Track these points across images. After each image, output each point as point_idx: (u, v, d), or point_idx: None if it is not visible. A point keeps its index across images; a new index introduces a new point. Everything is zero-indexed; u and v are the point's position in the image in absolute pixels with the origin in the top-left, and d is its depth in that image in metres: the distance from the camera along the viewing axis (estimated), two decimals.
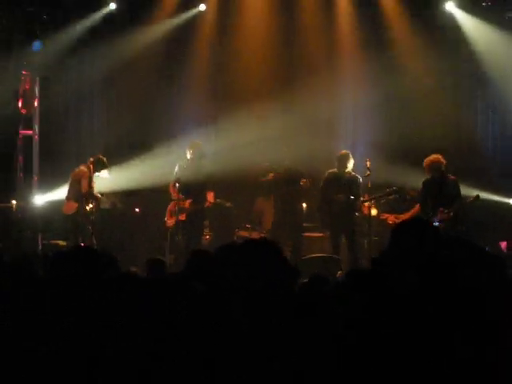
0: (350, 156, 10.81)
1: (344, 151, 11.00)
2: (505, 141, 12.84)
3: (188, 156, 11.08)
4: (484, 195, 10.95)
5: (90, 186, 11.07)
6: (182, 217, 10.98)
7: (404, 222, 3.68)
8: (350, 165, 10.77)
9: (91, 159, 11.13)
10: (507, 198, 11.91)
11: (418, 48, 12.32)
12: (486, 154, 12.90)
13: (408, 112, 12.58)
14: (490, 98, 12.91)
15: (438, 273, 3.02)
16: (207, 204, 11.03)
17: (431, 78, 12.39)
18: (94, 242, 10.94)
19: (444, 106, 12.53)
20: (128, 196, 12.45)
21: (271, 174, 11.24)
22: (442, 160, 10.28)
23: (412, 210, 10.72)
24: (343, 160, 10.78)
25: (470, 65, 12.47)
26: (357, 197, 10.65)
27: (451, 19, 12.33)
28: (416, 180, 10.65)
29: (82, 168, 11.14)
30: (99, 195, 11.41)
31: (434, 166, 10.25)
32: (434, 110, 12.53)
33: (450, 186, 10.26)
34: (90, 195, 11.05)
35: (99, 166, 11.21)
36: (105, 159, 11.23)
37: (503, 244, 11.19)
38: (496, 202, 11.78)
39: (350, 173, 10.79)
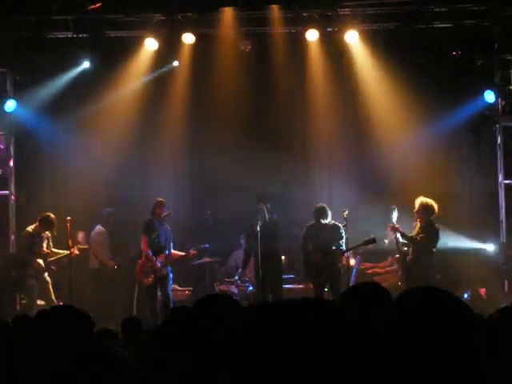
0: (327, 208, 10.78)
1: (319, 205, 10.97)
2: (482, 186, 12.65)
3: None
4: (462, 242, 10.90)
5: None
6: (164, 271, 11.04)
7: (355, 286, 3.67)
8: (328, 217, 10.69)
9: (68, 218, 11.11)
10: (483, 244, 11.79)
11: (394, 96, 12.19)
12: (463, 198, 12.64)
13: (390, 160, 12.36)
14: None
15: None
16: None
17: (410, 129, 12.20)
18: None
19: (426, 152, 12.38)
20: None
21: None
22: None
23: (387, 262, 10.70)
24: (319, 213, 10.74)
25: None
26: (338, 246, 10.53)
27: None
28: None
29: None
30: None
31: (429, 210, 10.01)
32: (415, 156, 12.39)
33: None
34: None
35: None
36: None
37: (482, 290, 11.18)
38: (473, 249, 11.64)
39: (329, 223, 10.69)
